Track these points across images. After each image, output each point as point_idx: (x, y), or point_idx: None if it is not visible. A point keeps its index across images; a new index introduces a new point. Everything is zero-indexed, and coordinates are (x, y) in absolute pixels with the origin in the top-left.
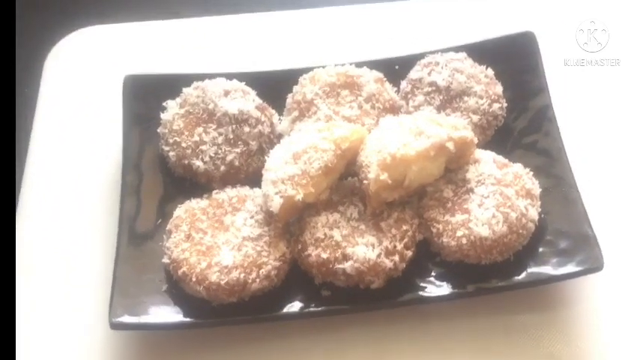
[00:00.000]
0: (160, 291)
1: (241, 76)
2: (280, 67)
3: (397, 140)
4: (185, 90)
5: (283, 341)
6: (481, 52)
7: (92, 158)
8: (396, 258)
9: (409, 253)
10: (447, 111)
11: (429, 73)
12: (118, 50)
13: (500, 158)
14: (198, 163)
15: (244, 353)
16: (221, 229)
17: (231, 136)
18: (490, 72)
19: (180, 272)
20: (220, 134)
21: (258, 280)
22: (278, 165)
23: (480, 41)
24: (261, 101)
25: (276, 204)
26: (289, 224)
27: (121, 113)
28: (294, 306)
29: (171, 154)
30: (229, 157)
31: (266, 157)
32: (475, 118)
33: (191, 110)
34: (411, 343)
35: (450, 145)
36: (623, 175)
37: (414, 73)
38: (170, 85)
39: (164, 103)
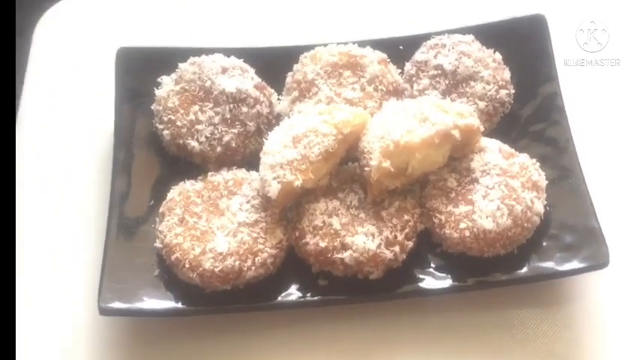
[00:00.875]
0: (151, 276)
1: (240, 52)
2: (280, 44)
3: (401, 126)
4: (181, 66)
5: (278, 331)
6: (489, 35)
7: (83, 135)
8: (397, 249)
9: (410, 244)
10: (453, 96)
11: (435, 56)
12: (112, 21)
13: (506, 147)
14: (193, 144)
15: (238, 342)
16: (216, 213)
17: (228, 116)
18: (498, 56)
19: (173, 258)
20: (217, 114)
21: (253, 268)
22: (277, 148)
23: (488, 23)
24: (260, 80)
25: (274, 189)
26: (287, 210)
27: (113, 87)
28: (290, 295)
29: (165, 132)
30: (226, 138)
31: (264, 139)
32: (481, 104)
33: (187, 87)
34: (410, 336)
35: (456, 133)
36: (628, 171)
37: (419, 55)
38: (165, 60)
39: (159, 79)
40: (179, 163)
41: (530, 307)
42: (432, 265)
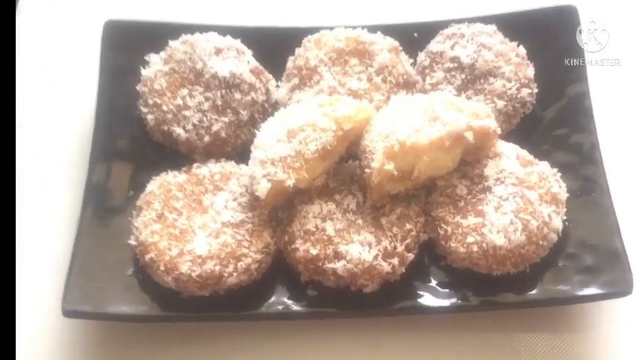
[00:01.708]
0: (124, 275)
1: (237, 32)
2: (283, 24)
3: (408, 125)
4: (171, 43)
5: (259, 342)
6: (513, 26)
7: (61, 114)
8: (395, 261)
9: (410, 256)
10: (469, 93)
11: (452, 47)
12: None
13: (525, 153)
14: (179, 131)
15: (216, 352)
16: (198, 210)
17: (220, 103)
18: (522, 51)
19: (147, 258)
20: (207, 99)
21: (235, 274)
22: (269, 142)
23: (513, 12)
24: (257, 64)
25: (262, 188)
26: (277, 210)
27: (98, 63)
28: (275, 304)
29: (149, 117)
30: (215, 127)
31: (257, 130)
32: (500, 103)
33: (176, 68)
34: (405, 356)
35: (469, 136)
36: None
37: (434, 45)
38: (155, 36)
39: (146, 57)
40: (164, 151)
41: (540, 332)
42: (434, 279)
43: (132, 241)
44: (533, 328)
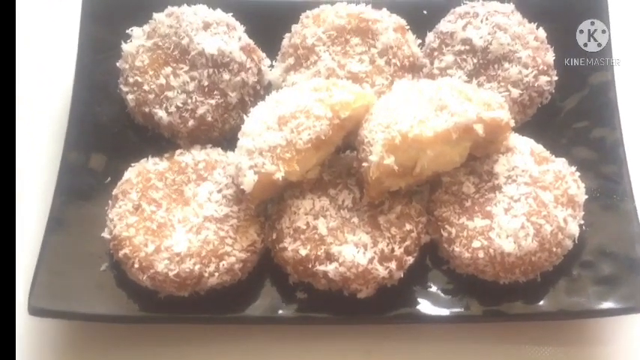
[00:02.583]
0: (97, 270)
1: (228, 4)
2: None
3: (412, 114)
4: (156, 16)
5: (244, 346)
6: (533, 5)
7: (38, 91)
8: (392, 265)
9: (410, 260)
10: (481, 79)
11: (464, 27)
12: None
13: (540, 149)
14: (160, 113)
15: (195, 356)
16: (179, 201)
17: (206, 83)
18: (542, 33)
19: (121, 254)
20: (193, 79)
21: (217, 274)
22: (258, 130)
23: None
24: (249, 41)
25: (248, 181)
26: (266, 204)
27: (77, 36)
28: (261, 307)
29: (129, 97)
30: (201, 110)
31: (247, 115)
32: (515, 92)
33: (160, 43)
34: None
35: (479, 128)
36: None
37: (444, 25)
38: (140, 6)
39: (128, 30)
40: (146, 134)
41: (550, 345)
42: (435, 285)
43: (106, 234)
44: (543, 340)
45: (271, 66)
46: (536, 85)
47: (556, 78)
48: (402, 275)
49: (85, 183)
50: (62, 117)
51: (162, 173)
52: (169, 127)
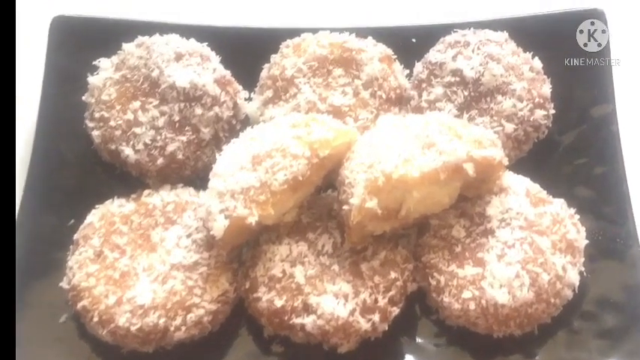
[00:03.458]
0: (56, 323)
1: (203, 33)
2: (257, 25)
3: (397, 152)
4: (125, 47)
5: None
6: (528, 33)
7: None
8: (376, 317)
9: (395, 311)
10: (472, 113)
11: (454, 57)
12: None
13: (537, 189)
14: (127, 151)
15: None
16: (145, 247)
17: (177, 118)
18: (537, 64)
19: (79, 306)
20: (163, 114)
21: (184, 327)
22: (230, 170)
23: (528, 16)
24: (225, 72)
25: (218, 226)
26: (240, 249)
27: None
28: None
29: (95, 133)
30: (171, 147)
31: (218, 154)
32: (509, 127)
33: (129, 76)
34: None
35: (469, 168)
36: None
37: (433, 55)
38: (109, 35)
39: (96, 62)
40: (114, 173)
41: None
42: (423, 337)
43: (64, 284)
44: None
45: (249, 99)
46: (531, 119)
47: (553, 111)
48: (387, 327)
49: (47, 225)
50: (25, 153)
51: (128, 216)
52: (137, 166)
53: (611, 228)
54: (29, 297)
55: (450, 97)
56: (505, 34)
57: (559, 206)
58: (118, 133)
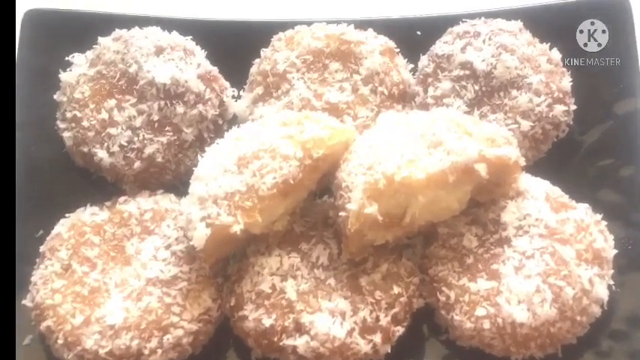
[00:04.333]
0: (20, 344)
1: (186, 26)
2: (247, 18)
3: (400, 152)
4: (101, 40)
5: None
6: (545, 22)
7: None
8: (377, 338)
9: (399, 331)
10: (484, 109)
11: (463, 49)
12: None
13: (557, 192)
14: (101, 154)
15: None
16: (118, 260)
17: (157, 118)
18: (556, 55)
19: (43, 326)
20: (140, 113)
21: (160, 350)
22: (213, 173)
23: (544, 4)
24: (210, 68)
25: (199, 235)
26: (225, 262)
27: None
28: None
29: (66, 135)
30: (149, 149)
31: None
32: (525, 124)
33: (104, 72)
34: None
35: (482, 169)
36: None
37: (440, 47)
38: (85, 30)
39: (69, 57)
40: (90, 178)
41: None
42: None
43: (27, 301)
44: None
45: (238, 97)
46: (550, 115)
47: (574, 107)
48: (390, 349)
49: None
50: None
51: (101, 226)
52: (112, 170)
53: None
54: None
55: (458, 93)
56: (519, 23)
57: (583, 212)
58: (91, 134)
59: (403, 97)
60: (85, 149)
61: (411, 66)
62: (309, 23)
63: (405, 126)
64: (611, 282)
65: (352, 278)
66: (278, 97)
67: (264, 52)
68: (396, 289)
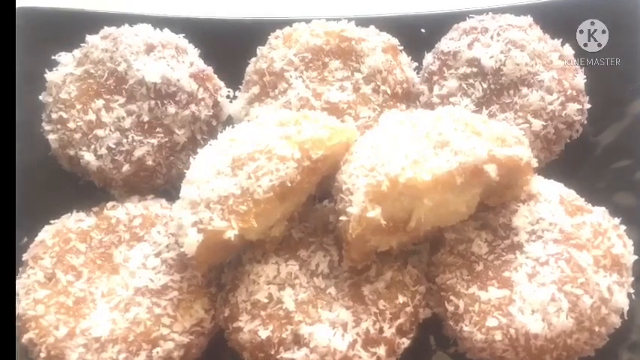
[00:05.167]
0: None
1: (179, 24)
2: (243, 16)
3: (404, 153)
4: (89, 39)
5: None
6: (556, 17)
7: None
8: (381, 351)
9: (404, 343)
10: (493, 108)
11: (470, 45)
12: None
13: (572, 195)
14: (88, 157)
15: None
16: (105, 269)
17: (147, 119)
18: (568, 51)
19: (25, 338)
20: (130, 113)
21: None
22: (205, 176)
23: (544, 3)
24: (204, 67)
25: (191, 241)
26: (219, 270)
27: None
28: None
29: (51, 137)
30: (138, 152)
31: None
32: (537, 123)
33: (92, 71)
34: None
35: (491, 170)
36: None
37: (446, 43)
38: (73, 28)
39: (55, 56)
40: (77, 183)
41: None
42: None
43: None
44: None
45: (233, 97)
46: (563, 114)
47: (588, 105)
48: None
49: None
50: None
51: (87, 233)
52: (99, 174)
53: None
54: None
55: (466, 91)
56: (529, 19)
57: (600, 215)
58: (77, 136)
59: (407, 97)
60: (72, 152)
61: (415, 64)
62: (307, 20)
63: (410, 125)
64: (631, 290)
65: (354, 287)
66: (275, 96)
67: (261, 50)
68: (401, 299)
